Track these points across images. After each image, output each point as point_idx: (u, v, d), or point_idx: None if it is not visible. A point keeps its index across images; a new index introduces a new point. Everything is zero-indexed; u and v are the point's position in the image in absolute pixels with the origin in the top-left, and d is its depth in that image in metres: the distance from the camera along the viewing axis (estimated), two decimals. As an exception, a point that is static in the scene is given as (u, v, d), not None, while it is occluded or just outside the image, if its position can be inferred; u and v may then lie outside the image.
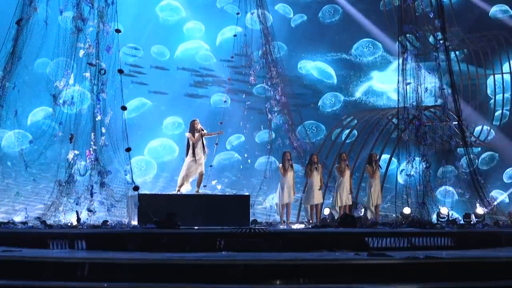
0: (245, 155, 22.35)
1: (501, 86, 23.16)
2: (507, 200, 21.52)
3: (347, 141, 20.07)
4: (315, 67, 24.68)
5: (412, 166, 15.23)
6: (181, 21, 23.54)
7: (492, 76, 23.39)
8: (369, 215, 15.67)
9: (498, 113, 23.32)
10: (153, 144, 22.12)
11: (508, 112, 23.23)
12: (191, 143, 14.72)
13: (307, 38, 24.58)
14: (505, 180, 22.52)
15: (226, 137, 21.76)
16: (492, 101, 23.43)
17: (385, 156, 18.70)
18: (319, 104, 24.47)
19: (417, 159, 15.29)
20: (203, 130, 14.81)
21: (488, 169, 22.38)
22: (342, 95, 24.61)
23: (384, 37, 23.94)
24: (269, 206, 18.11)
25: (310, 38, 24.58)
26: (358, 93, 24.67)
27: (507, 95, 23.23)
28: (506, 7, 23.71)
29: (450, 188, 16.41)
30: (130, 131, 13.68)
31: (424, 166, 15.15)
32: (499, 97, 23.20)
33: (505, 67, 23.27)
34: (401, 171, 15.82)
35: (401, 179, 16.02)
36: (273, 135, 18.19)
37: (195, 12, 23.58)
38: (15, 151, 15.83)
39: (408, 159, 15.40)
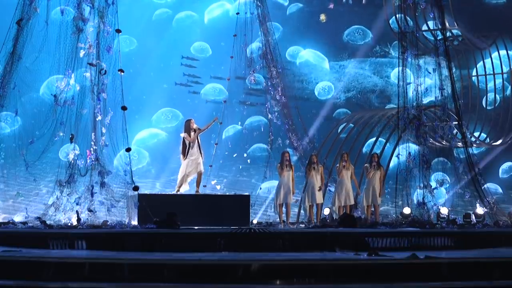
0: (245, 155, 22.31)
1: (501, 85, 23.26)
2: (500, 190, 21.59)
3: (348, 140, 20.04)
4: (307, 54, 24.73)
5: (412, 166, 15.24)
6: (173, 12, 23.81)
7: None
8: (362, 214, 15.67)
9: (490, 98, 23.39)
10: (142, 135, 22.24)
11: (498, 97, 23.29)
12: (187, 143, 14.70)
13: (301, 26, 24.69)
14: (500, 175, 22.51)
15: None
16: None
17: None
18: (315, 93, 24.51)
19: (417, 158, 15.31)
20: (198, 129, 14.81)
21: (478, 153, 22.21)
22: (333, 83, 24.66)
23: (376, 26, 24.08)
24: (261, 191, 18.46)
25: (305, 26, 24.68)
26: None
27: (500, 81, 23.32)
28: None
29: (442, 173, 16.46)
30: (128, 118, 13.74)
31: (424, 166, 15.16)
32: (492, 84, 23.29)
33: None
34: (401, 170, 15.82)
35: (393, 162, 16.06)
36: (272, 136, 18.17)
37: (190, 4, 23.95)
38: (5, 132, 15.85)
39: (408, 158, 15.41)
